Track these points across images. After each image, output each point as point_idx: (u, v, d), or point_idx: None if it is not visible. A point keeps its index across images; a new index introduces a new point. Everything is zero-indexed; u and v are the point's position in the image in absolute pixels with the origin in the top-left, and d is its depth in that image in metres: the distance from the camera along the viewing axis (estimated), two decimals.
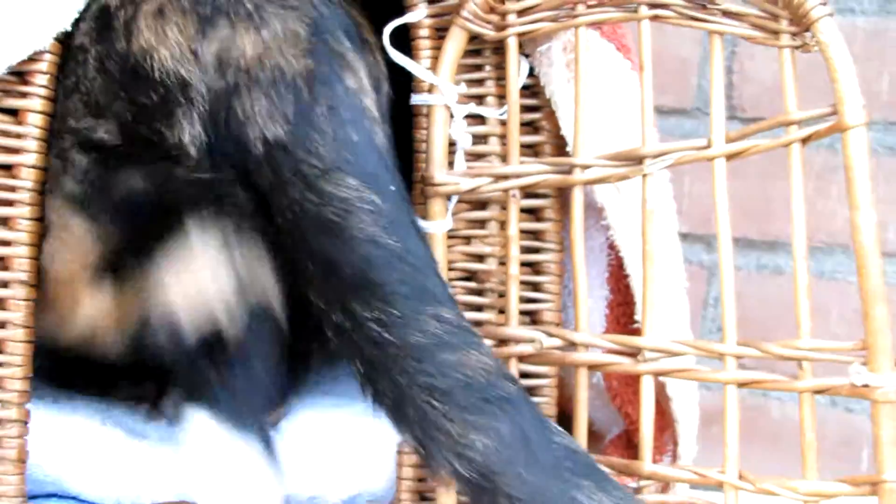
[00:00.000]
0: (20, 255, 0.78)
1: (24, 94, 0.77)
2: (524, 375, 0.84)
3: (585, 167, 0.80)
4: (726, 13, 0.77)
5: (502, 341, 0.82)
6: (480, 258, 0.85)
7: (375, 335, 0.67)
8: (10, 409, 0.78)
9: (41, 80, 0.77)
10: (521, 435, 0.65)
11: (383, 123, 0.78)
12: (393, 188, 0.72)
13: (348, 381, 0.77)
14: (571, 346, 0.80)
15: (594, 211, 0.85)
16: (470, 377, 0.66)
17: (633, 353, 0.78)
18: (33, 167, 0.78)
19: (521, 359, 0.82)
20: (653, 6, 0.79)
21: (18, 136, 0.78)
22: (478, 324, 0.84)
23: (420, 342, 0.66)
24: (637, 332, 0.80)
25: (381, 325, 0.67)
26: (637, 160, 0.78)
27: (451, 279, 0.83)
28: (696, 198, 1.13)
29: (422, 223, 0.83)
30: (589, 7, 0.80)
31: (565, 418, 0.83)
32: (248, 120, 0.72)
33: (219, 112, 0.73)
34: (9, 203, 0.78)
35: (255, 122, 0.72)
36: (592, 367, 0.80)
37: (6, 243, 0.78)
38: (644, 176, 0.78)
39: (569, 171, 0.80)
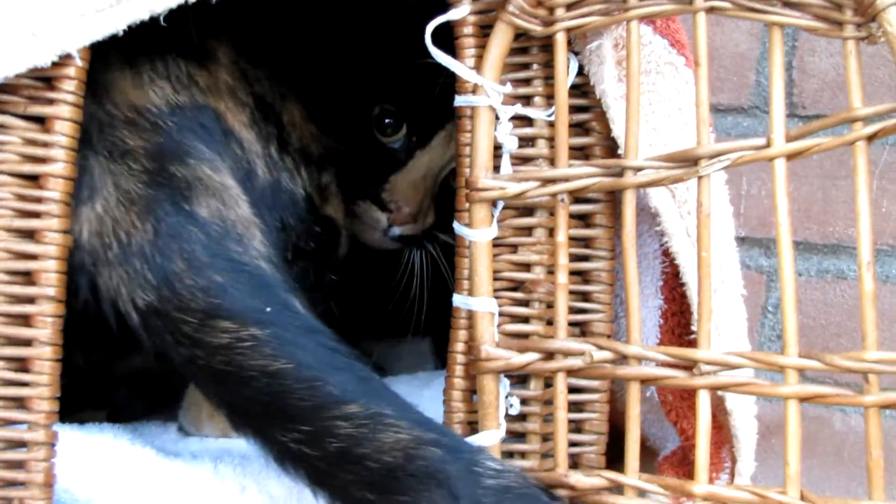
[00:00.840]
0: (47, 270, 0.77)
1: (51, 101, 0.76)
2: (573, 390, 0.82)
3: (638, 169, 0.78)
4: (787, 3, 0.74)
5: (550, 354, 0.80)
6: (527, 267, 0.83)
7: (299, 452, 0.72)
8: (37, 430, 0.77)
9: (69, 87, 0.77)
10: (453, 496, 0.68)
11: (259, 217, 0.82)
12: (269, 309, 0.76)
13: None
14: (623, 359, 0.78)
15: (647, 216, 0.83)
16: (391, 462, 0.69)
17: (689, 367, 0.75)
18: (61, 177, 0.77)
19: (571, 372, 0.80)
20: None
21: (46, 144, 0.77)
22: (524, 336, 0.83)
23: (337, 447, 0.70)
24: (693, 344, 0.78)
25: (300, 443, 0.71)
26: (692, 161, 0.76)
27: (496, 289, 0.82)
28: (753, 199, 1.11)
29: (466, 231, 0.82)
30: (642, 0, 0.78)
31: (617, 434, 0.82)
32: (115, 294, 0.77)
33: (92, 287, 0.79)
34: (35, 215, 0.77)
35: (121, 295, 0.77)
36: (646, 382, 0.78)
37: (33, 257, 0.77)
38: (700, 178, 0.75)
39: (620, 174, 0.78)
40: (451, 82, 0.84)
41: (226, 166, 0.81)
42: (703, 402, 0.76)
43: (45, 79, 0.76)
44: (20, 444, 0.77)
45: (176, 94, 0.83)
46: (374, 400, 0.72)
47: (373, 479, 0.69)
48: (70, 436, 0.82)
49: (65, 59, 0.75)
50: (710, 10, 0.76)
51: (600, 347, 0.78)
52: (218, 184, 0.80)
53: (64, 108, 0.77)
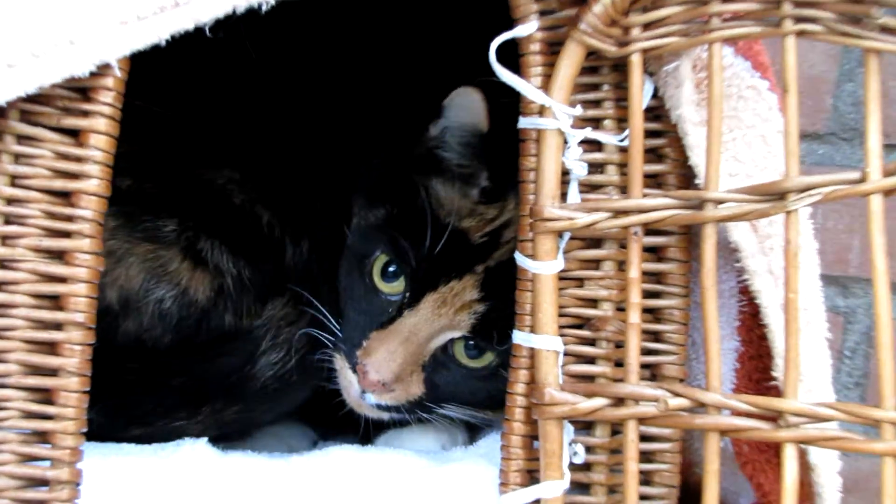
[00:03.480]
0: (77, 294, 0.76)
1: (86, 113, 0.76)
2: (644, 438, 0.81)
3: (720, 202, 0.76)
4: (885, 29, 0.74)
5: (620, 400, 0.78)
6: (595, 303, 0.82)
7: None
8: (61, 468, 0.76)
9: (106, 98, 0.76)
10: None
11: None
12: None
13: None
14: (700, 406, 0.76)
15: (725, 250, 0.81)
16: None
17: (773, 417, 0.74)
18: (94, 195, 0.76)
19: (642, 420, 0.78)
20: (799, 20, 0.75)
21: (79, 159, 0.76)
22: (590, 378, 0.82)
23: None
24: (773, 391, 0.78)
25: None
26: (779, 195, 0.74)
27: (561, 326, 0.81)
28: (829, 233, 1.09)
29: (529, 263, 0.81)
30: (725, 21, 0.77)
31: (687, 489, 0.81)
32: None
33: None
34: (66, 234, 0.76)
35: None
36: (725, 433, 0.76)
37: (62, 280, 0.76)
38: (788, 213, 0.74)
39: (700, 207, 0.77)
40: (459, 231, 0.91)
41: None
42: (789, 457, 0.74)
43: (81, 89, 0.76)
44: (42, 483, 0.76)
45: None
46: None
47: None
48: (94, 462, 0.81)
49: (103, 69, 0.75)
50: (801, 34, 0.75)
51: (676, 394, 0.76)
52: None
53: (100, 121, 0.76)
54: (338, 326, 0.97)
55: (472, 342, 0.96)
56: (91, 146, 0.76)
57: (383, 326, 0.96)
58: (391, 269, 0.97)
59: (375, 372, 0.93)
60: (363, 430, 1.00)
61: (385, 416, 0.99)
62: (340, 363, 0.98)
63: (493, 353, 0.95)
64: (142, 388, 0.94)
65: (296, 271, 1.01)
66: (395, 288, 0.97)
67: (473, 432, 1.04)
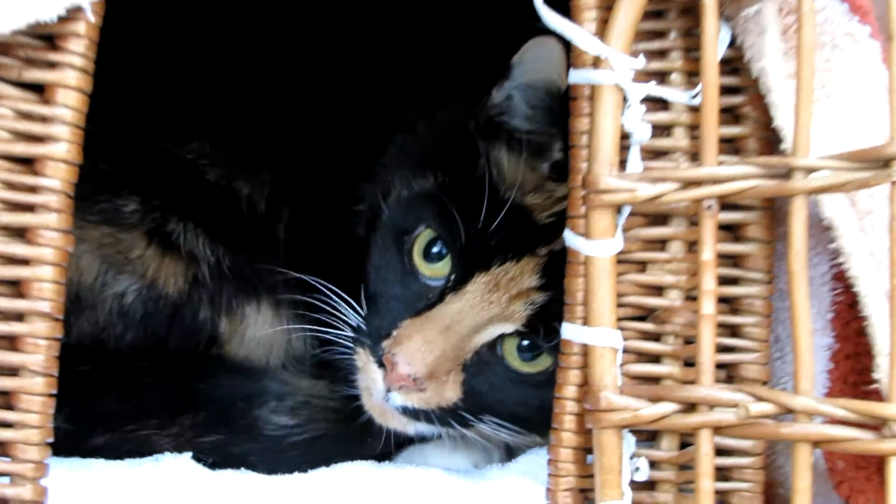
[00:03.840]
0: (42, 279, 0.70)
1: (53, 65, 0.70)
2: (720, 452, 0.74)
3: (811, 170, 0.69)
4: None
5: (691, 405, 0.72)
6: (660, 291, 0.76)
7: None
8: (23, 485, 0.70)
9: (77, 47, 0.70)
10: None
11: None
12: None
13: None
14: (787, 413, 0.69)
15: (815, 229, 0.75)
16: None
17: (875, 426, 0.67)
18: (63, 161, 0.70)
19: (718, 430, 0.71)
20: None
21: (44, 119, 0.70)
22: (655, 379, 0.76)
23: None
24: (873, 395, 0.72)
25: None
26: (882, 162, 0.67)
27: (620, 318, 0.75)
28: None
29: (582, 244, 0.74)
30: None
31: None
32: None
33: None
34: (29, 208, 0.70)
35: None
36: (819, 444, 0.69)
37: (24, 262, 0.70)
38: (893, 184, 0.67)
39: (787, 176, 0.70)
40: (521, 207, 0.83)
41: None
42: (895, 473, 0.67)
43: (47, 37, 0.70)
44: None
45: None
46: None
47: None
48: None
49: (73, 13, 0.69)
50: None
51: (758, 398, 0.69)
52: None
53: (70, 75, 0.70)
54: (356, 315, 0.88)
55: (527, 340, 0.85)
56: (59, 104, 0.70)
57: (420, 313, 0.85)
58: (435, 248, 0.87)
59: (406, 363, 0.82)
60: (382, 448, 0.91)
61: (411, 427, 0.88)
62: (363, 358, 0.87)
63: (551, 356, 0.84)
64: (101, 385, 0.86)
65: (291, 251, 0.93)
66: (438, 271, 0.87)
67: (514, 454, 0.94)
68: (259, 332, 0.93)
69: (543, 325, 0.83)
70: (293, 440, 0.87)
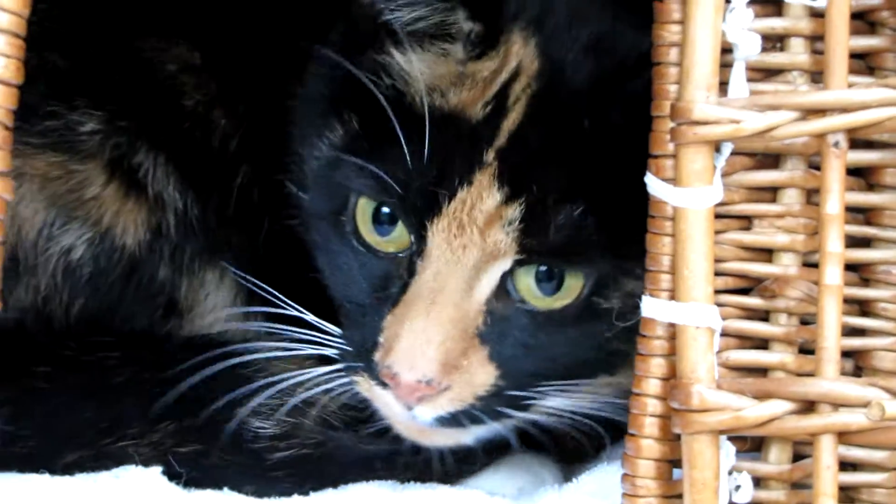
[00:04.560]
0: None
1: None
2: (845, 465, 0.63)
3: None
4: None
5: (808, 404, 0.62)
6: (769, 255, 0.65)
7: None
8: None
9: None
10: None
11: None
12: None
13: None
14: None
15: None
16: None
17: None
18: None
19: (843, 436, 0.61)
20: None
21: None
22: (762, 371, 0.64)
23: None
24: None
25: None
26: None
27: (717, 291, 0.63)
28: None
29: (668, 192, 0.62)
30: None
31: None
32: None
33: None
34: None
35: None
36: None
37: None
38: None
39: None
40: (447, 114, 0.72)
41: None
42: None
43: None
44: None
45: None
46: None
47: None
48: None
49: None
50: None
51: None
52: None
53: None
54: (332, 338, 0.76)
55: (540, 267, 0.73)
56: None
57: (398, 302, 0.73)
58: (384, 213, 0.76)
59: (408, 370, 0.71)
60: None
61: (466, 437, 0.76)
62: (364, 385, 0.75)
63: (576, 274, 0.72)
64: (70, 393, 0.76)
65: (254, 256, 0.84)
66: (396, 240, 0.75)
67: (572, 470, 0.81)
68: (219, 306, 0.82)
69: (543, 242, 0.70)
70: (282, 455, 0.75)
